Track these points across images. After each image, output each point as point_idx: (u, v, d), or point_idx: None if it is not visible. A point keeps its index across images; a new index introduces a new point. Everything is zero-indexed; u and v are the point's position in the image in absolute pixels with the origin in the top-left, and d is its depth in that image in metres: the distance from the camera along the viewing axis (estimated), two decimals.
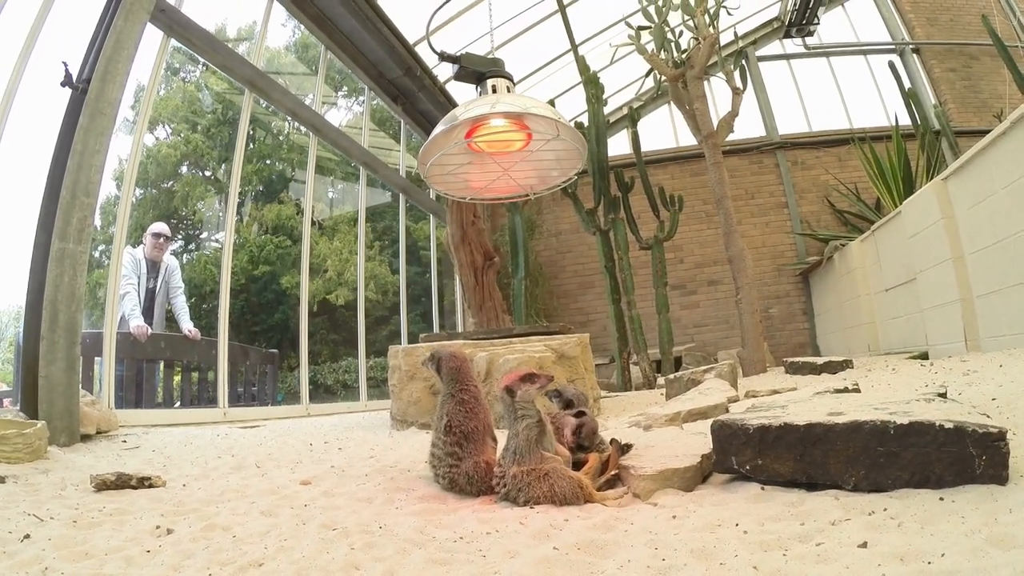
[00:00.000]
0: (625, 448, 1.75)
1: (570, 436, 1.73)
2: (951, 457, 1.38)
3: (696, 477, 1.60)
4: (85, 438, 3.25)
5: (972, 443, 1.38)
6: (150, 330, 5.32)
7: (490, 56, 2.43)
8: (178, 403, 5.67)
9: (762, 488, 1.47)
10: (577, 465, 1.63)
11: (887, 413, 1.48)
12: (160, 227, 5.89)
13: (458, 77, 2.36)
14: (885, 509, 1.27)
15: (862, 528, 1.18)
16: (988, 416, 1.61)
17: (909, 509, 1.26)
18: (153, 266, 5.73)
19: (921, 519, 1.20)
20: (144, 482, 1.98)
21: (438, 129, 2.27)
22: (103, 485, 1.96)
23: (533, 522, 1.37)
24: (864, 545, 1.09)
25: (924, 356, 4.88)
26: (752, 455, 1.49)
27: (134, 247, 5.75)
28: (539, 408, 1.60)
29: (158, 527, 1.47)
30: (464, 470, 1.71)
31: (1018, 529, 1.07)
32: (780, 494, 1.43)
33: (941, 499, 1.29)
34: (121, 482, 1.97)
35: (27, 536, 1.44)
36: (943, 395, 2.02)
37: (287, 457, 2.54)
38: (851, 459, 1.42)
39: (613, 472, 1.64)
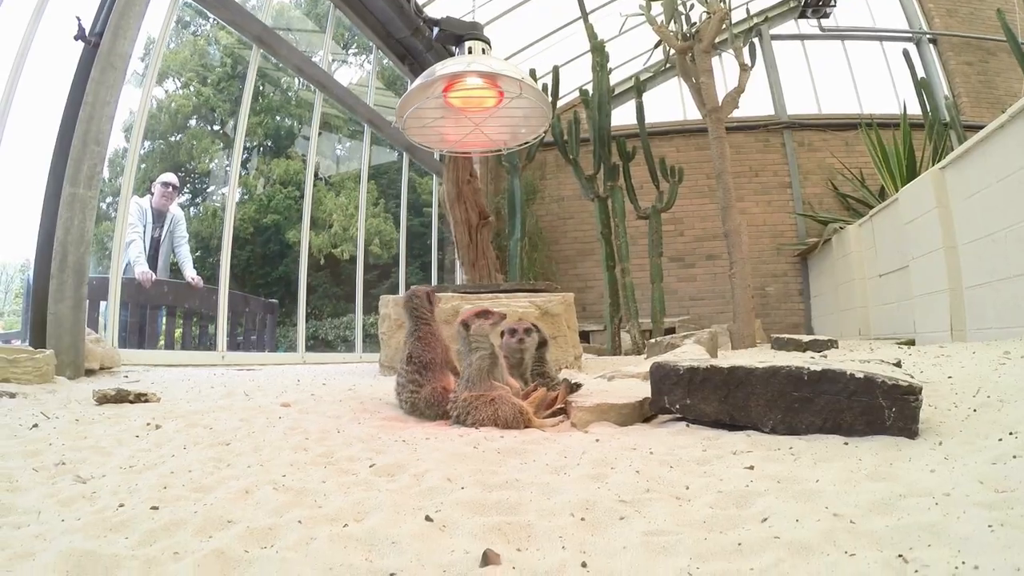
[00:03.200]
0: (574, 387, 1.91)
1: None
2: (861, 406, 1.47)
3: (634, 415, 1.75)
4: (89, 373, 3.46)
5: (882, 394, 1.46)
6: (154, 276, 5.51)
7: (470, 20, 2.55)
8: (179, 347, 5.89)
9: (687, 425, 1.62)
10: (527, 397, 1.79)
11: (808, 363, 1.59)
12: (169, 177, 6.05)
13: (439, 39, 2.49)
14: (791, 448, 1.38)
15: (758, 459, 1.29)
16: (911, 376, 1.70)
17: (812, 449, 1.36)
18: (159, 216, 5.90)
19: (819, 457, 1.30)
20: (141, 397, 2.19)
21: (416, 83, 2.41)
22: (104, 399, 2.17)
23: (471, 436, 1.55)
24: (751, 468, 1.22)
25: (911, 343, 4.93)
26: (682, 395, 1.63)
27: (141, 197, 5.90)
28: (492, 342, 1.76)
29: (148, 424, 1.71)
30: (423, 395, 1.90)
31: (904, 472, 1.15)
32: (702, 431, 1.57)
33: (846, 444, 1.40)
34: (120, 396, 2.17)
35: (35, 426, 1.69)
36: (896, 364, 2.11)
37: (274, 389, 2.75)
38: (770, 403, 1.53)
39: (559, 406, 1.81)
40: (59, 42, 3.66)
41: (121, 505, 1.04)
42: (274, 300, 7.36)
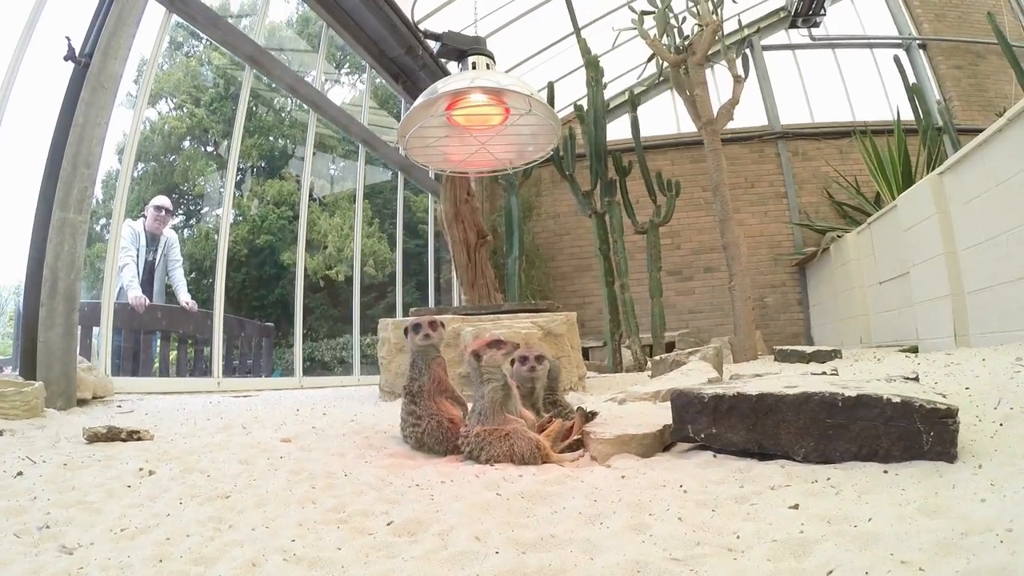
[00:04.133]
0: (590, 416, 1.82)
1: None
2: (899, 432, 1.40)
3: (655, 445, 1.67)
4: (82, 403, 3.34)
5: (920, 419, 1.40)
6: (148, 301, 5.41)
7: (472, 34, 2.48)
8: (174, 372, 5.78)
9: (714, 456, 1.53)
10: (542, 430, 1.71)
11: (839, 387, 1.52)
12: (162, 200, 5.96)
13: (440, 54, 2.42)
14: (828, 479, 1.31)
15: (799, 494, 1.21)
16: (944, 396, 1.64)
17: (851, 479, 1.29)
18: (153, 239, 5.81)
19: (861, 489, 1.23)
20: (133, 435, 2.08)
21: (418, 102, 2.33)
22: (95, 437, 2.06)
23: (488, 476, 1.45)
24: (795, 507, 1.14)
25: (914, 350, 4.88)
26: (707, 424, 1.55)
27: (134, 220, 5.82)
28: (505, 372, 1.67)
29: (141, 469, 1.58)
30: (425, 428, 1.80)
31: (954, 503, 1.09)
32: (731, 462, 1.49)
33: (885, 472, 1.32)
34: (112, 435, 2.06)
35: (20, 473, 1.56)
36: (915, 379, 2.04)
37: (272, 420, 2.64)
38: (801, 430, 1.46)
39: (576, 437, 1.72)
40: (49, 63, 3.60)
41: None
42: (270, 323, 7.25)
